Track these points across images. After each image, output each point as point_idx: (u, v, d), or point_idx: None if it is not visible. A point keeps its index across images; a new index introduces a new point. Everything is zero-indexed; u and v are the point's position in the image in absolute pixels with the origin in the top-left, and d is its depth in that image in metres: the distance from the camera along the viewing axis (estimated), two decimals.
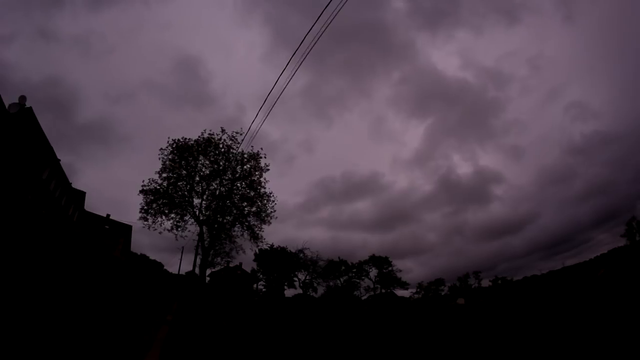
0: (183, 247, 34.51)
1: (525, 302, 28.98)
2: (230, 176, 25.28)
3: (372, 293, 60.71)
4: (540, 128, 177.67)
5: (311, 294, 55.08)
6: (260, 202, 25.33)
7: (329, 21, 7.42)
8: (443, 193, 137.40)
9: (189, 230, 24.97)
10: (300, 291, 54.54)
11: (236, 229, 25.80)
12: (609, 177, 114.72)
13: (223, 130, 24.41)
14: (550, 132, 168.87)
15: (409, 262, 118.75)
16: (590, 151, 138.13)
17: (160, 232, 23.85)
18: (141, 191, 23.74)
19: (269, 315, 26.81)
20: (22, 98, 20.43)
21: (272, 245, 48.66)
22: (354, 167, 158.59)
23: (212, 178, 24.99)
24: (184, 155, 24.00)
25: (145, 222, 23.63)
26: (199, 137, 24.35)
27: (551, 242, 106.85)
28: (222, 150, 24.56)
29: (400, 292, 64.82)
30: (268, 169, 25.36)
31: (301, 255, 50.34)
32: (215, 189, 25.41)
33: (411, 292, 67.36)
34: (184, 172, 24.42)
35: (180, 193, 24.50)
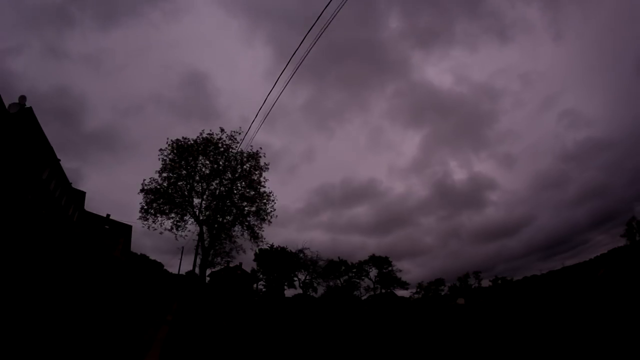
0: (183, 247, 34.56)
1: (526, 302, 28.97)
2: (230, 176, 25.27)
3: (372, 293, 60.72)
4: (534, 136, 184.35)
5: (311, 294, 55.10)
6: (260, 201, 25.32)
7: (327, 23, 7.44)
8: (439, 198, 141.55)
9: (189, 230, 24.99)
10: (300, 291, 54.59)
11: (236, 228, 25.78)
12: (604, 181, 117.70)
13: (222, 130, 24.42)
14: (543, 140, 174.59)
15: (407, 264, 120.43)
16: (584, 157, 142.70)
17: (160, 233, 23.85)
18: (141, 190, 23.73)
19: (269, 315, 26.80)
20: (22, 98, 20.43)
21: (272, 245, 48.73)
22: (352, 174, 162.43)
23: (211, 178, 24.97)
24: (183, 155, 23.99)
25: (145, 222, 23.62)
26: (198, 137, 24.35)
27: (549, 244, 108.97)
28: (222, 149, 24.55)
29: (400, 292, 64.90)
30: (267, 168, 25.37)
31: (301, 255, 50.38)
32: (215, 189, 25.39)
33: (411, 292, 67.44)
34: (184, 172, 24.40)
35: (180, 193, 24.48)
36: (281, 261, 50.37)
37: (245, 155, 24.80)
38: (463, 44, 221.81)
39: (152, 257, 57.39)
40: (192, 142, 24.27)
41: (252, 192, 25.32)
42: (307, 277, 54.27)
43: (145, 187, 23.76)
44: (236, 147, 24.38)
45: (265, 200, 25.32)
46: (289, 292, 55.14)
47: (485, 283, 69.46)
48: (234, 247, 26.08)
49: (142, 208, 23.67)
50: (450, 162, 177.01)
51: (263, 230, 25.64)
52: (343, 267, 58.56)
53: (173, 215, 24.20)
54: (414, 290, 68.13)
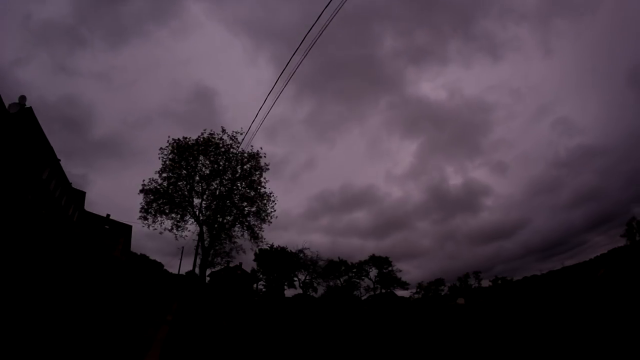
0: (183, 247, 34.56)
1: (526, 302, 28.97)
2: (230, 176, 25.25)
3: (372, 293, 60.71)
4: (528, 144, 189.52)
5: (311, 294, 55.09)
6: (260, 201, 25.31)
7: (326, 24, 7.45)
8: (435, 203, 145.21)
9: (189, 230, 24.99)
10: (300, 291, 54.58)
11: (236, 228, 25.77)
12: (598, 185, 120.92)
13: (223, 130, 24.39)
14: (537, 147, 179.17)
15: (405, 265, 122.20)
16: (577, 162, 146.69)
17: (160, 233, 23.86)
18: (141, 190, 23.72)
19: (269, 315, 26.80)
20: (22, 98, 20.43)
21: (272, 245, 48.72)
22: (351, 181, 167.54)
23: (212, 178, 24.95)
24: (184, 155, 23.96)
25: (145, 222, 23.61)
26: (199, 136, 24.33)
27: (546, 245, 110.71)
28: (222, 150, 24.52)
29: (400, 292, 64.89)
30: (268, 169, 25.36)
31: (301, 255, 50.40)
32: (215, 189, 25.38)
33: (411, 292, 67.45)
34: (184, 172, 24.38)
35: (180, 193, 24.47)
36: (281, 261, 50.36)
37: (245, 155, 24.78)
38: (456, 62, 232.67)
39: (152, 258, 57.42)
40: (193, 142, 24.24)
41: (252, 193, 25.32)
42: (307, 277, 54.31)
43: (145, 188, 23.77)
44: (237, 147, 24.38)
45: (265, 201, 25.33)
46: (289, 292, 55.20)
47: (485, 283, 69.55)
48: (234, 247, 26.09)
49: (142, 208, 23.68)
50: (445, 169, 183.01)
51: (263, 231, 25.67)
52: (343, 267, 58.56)
53: (173, 215, 24.22)
54: (414, 290, 68.23)
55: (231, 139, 24.32)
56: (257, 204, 25.33)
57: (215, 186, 25.33)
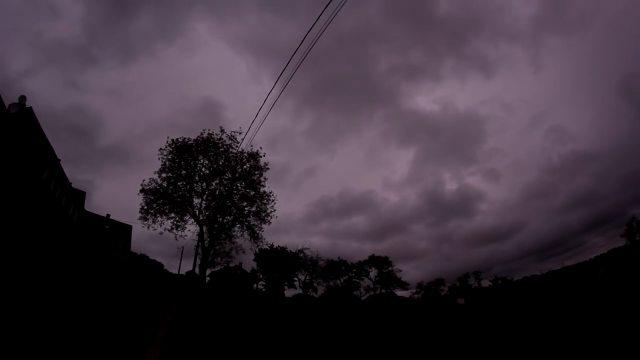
0: (183, 247, 34.55)
1: (526, 302, 28.97)
2: (229, 176, 25.23)
3: (372, 293, 60.71)
4: (521, 153, 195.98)
5: (311, 294, 55.09)
6: (260, 201, 25.30)
7: (324, 25, 7.47)
8: (432, 208, 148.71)
9: (189, 230, 24.98)
10: (300, 291, 54.58)
11: (236, 228, 25.76)
12: (594, 189, 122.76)
13: (222, 130, 24.38)
14: (531, 155, 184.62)
15: (403, 267, 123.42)
16: (572, 168, 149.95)
17: (160, 233, 23.86)
18: (141, 190, 23.71)
19: (269, 315, 26.80)
20: (22, 98, 20.43)
21: (272, 245, 48.72)
22: (350, 188, 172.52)
23: (211, 178, 24.94)
24: (183, 155, 23.95)
25: (145, 222, 23.61)
26: (198, 136, 24.32)
27: (543, 247, 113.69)
28: (222, 150, 24.51)
29: (400, 292, 64.92)
30: (268, 169, 25.35)
31: (301, 255, 50.34)
32: (215, 189, 25.37)
33: (411, 292, 67.47)
34: (184, 172, 24.37)
35: (180, 193, 24.46)
36: (281, 261, 50.35)
37: (245, 155, 24.78)
38: (450, 79, 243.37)
39: (153, 258, 57.42)
40: (192, 142, 24.24)
41: (252, 192, 25.30)
42: (307, 277, 54.30)
43: (145, 188, 23.76)
44: (236, 147, 24.38)
45: (265, 201, 25.32)
46: (289, 292, 55.20)
47: (485, 283, 69.57)
48: (233, 247, 26.08)
49: (142, 208, 23.67)
50: (441, 176, 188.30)
51: (263, 231, 25.64)
52: (343, 267, 58.56)
53: (173, 215, 24.21)
54: (414, 291, 68.28)
55: (230, 138, 24.34)
56: (256, 204, 25.33)
57: (215, 186, 25.34)
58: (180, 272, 44.05)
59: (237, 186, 25.41)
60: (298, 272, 53.50)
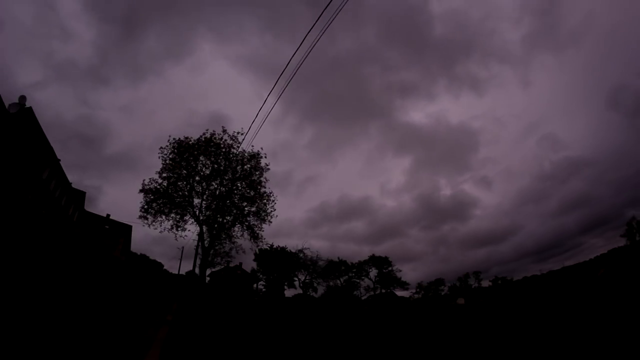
0: (183, 247, 34.56)
1: (526, 302, 28.97)
2: (230, 176, 25.22)
3: (372, 293, 60.71)
4: (515, 161, 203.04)
5: (311, 294, 55.10)
6: (260, 201, 25.29)
7: (323, 28, 7.47)
8: (427, 213, 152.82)
9: (189, 230, 24.97)
10: (300, 291, 54.58)
11: (236, 228, 25.74)
12: (589, 193, 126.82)
13: (224, 130, 24.35)
14: (524, 163, 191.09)
15: (401, 268, 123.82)
16: (566, 174, 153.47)
17: (160, 232, 23.88)
18: (141, 190, 23.70)
19: (269, 315, 26.79)
20: (22, 98, 20.43)
21: (272, 245, 48.70)
22: (348, 195, 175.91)
23: (212, 178, 24.93)
24: (184, 155, 23.94)
25: (145, 222, 23.60)
26: (200, 136, 24.29)
27: (541, 248, 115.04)
28: (223, 150, 24.49)
29: (400, 292, 64.93)
30: (268, 169, 25.33)
31: (301, 255, 50.34)
32: (216, 189, 25.36)
33: (411, 293, 67.49)
34: (184, 172, 24.36)
35: (180, 193, 24.45)
36: (281, 261, 50.35)
37: (246, 155, 24.75)
38: (443, 97, 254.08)
39: (153, 258, 57.42)
40: (194, 142, 24.22)
41: (253, 193, 25.29)
42: (307, 277, 54.31)
43: (145, 187, 23.75)
44: (238, 147, 24.36)
45: (265, 201, 25.31)
46: (289, 292, 55.21)
47: (485, 283, 69.58)
48: (233, 247, 26.03)
49: (142, 208, 23.66)
50: (436, 183, 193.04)
51: (263, 230, 25.63)
52: (343, 267, 58.55)
53: (173, 215, 24.19)
54: (414, 291, 68.30)
55: (232, 139, 24.31)
56: (257, 204, 25.32)
57: (216, 186, 25.32)
58: (180, 272, 44.11)
59: (238, 186, 25.41)
60: (298, 272, 53.54)
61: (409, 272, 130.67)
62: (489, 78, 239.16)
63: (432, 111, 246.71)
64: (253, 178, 25.06)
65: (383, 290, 61.06)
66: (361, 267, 60.08)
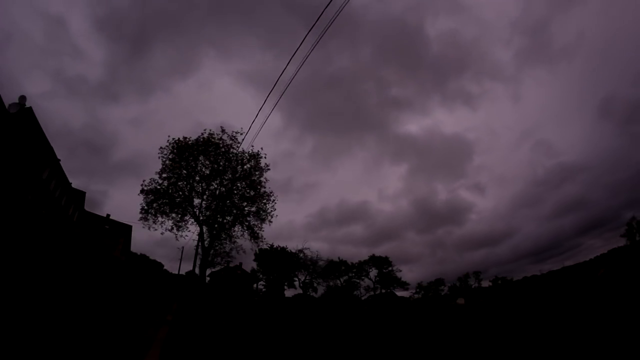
0: (183, 247, 34.56)
1: (526, 302, 28.97)
2: (230, 176, 25.21)
3: (372, 293, 60.69)
4: (510, 168, 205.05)
5: (311, 294, 55.09)
6: (260, 201, 25.29)
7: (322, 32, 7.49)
8: (424, 217, 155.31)
9: (189, 230, 24.96)
10: (300, 291, 54.57)
11: (236, 228, 25.73)
12: (585, 196, 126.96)
13: (223, 130, 24.36)
14: (524, 167, 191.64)
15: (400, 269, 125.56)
16: (560, 179, 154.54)
17: (162, 233, 23.86)
18: (142, 191, 23.69)
19: (269, 315, 26.79)
20: (22, 98, 20.44)
21: (272, 245, 48.68)
22: (347, 200, 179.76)
23: (212, 178, 24.92)
24: (184, 156, 23.93)
25: (146, 222, 23.59)
26: (199, 136, 24.29)
27: (538, 250, 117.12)
28: (222, 150, 24.49)
29: (400, 292, 64.90)
30: (268, 169, 25.33)
31: (301, 255, 50.31)
32: (216, 189, 25.35)
33: (411, 293, 67.45)
34: (184, 172, 24.36)
35: (180, 193, 24.44)
36: (281, 261, 50.34)
37: (246, 155, 24.75)
38: (437, 111, 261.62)
39: (152, 258, 57.40)
40: (193, 142, 24.21)
41: (253, 193, 25.28)
42: (307, 277, 54.30)
43: (145, 188, 23.74)
44: (237, 147, 24.37)
45: (265, 201, 25.31)
46: (289, 292, 55.19)
47: (485, 283, 69.56)
48: (234, 247, 26.02)
49: (142, 208, 23.65)
50: (432, 188, 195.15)
51: (263, 231, 25.64)
52: (343, 267, 58.52)
53: (173, 215, 24.18)
54: (414, 291, 68.25)
55: (231, 139, 24.31)
56: (257, 204, 25.32)
57: (215, 186, 25.31)
58: (180, 272, 44.12)
59: (238, 186, 25.40)
60: (298, 272, 53.51)
61: (407, 274, 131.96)
62: (482, 93, 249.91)
63: (427, 124, 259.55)
64: (253, 178, 25.07)
65: (383, 290, 61.05)
66: (361, 267, 60.05)
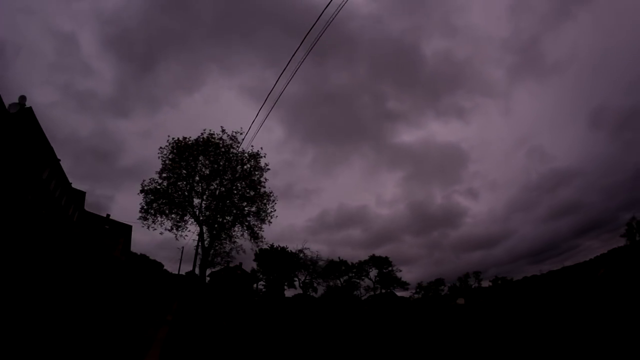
0: (183, 247, 34.58)
1: (526, 302, 28.97)
2: (230, 176, 25.20)
3: (372, 293, 60.68)
4: (506, 173, 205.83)
5: (311, 294, 55.09)
6: (260, 201, 25.29)
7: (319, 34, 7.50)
8: (421, 220, 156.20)
9: (189, 231, 24.95)
10: (300, 291, 54.57)
11: (236, 228, 25.73)
12: (580, 199, 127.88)
13: (223, 130, 24.34)
14: (521, 172, 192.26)
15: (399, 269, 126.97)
16: (556, 183, 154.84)
17: (161, 233, 23.86)
18: (141, 190, 23.68)
19: (269, 315, 26.79)
20: (22, 98, 20.43)
21: (272, 245, 48.70)
22: (345, 205, 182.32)
23: (212, 178, 24.91)
24: (183, 155, 23.92)
25: (145, 222, 23.57)
26: (199, 136, 24.27)
27: (536, 251, 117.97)
28: (222, 150, 24.48)
29: (400, 293, 64.90)
30: (268, 169, 25.34)
31: (301, 255, 50.32)
32: (215, 189, 25.34)
33: (411, 293, 67.45)
34: (184, 172, 24.34)
35: (180, 193, 24.43)
36: (281, 261, 50.34)
37: (246, 155, 24.75)
38: (432, 123, 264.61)
39: (152, 258, 57.37)
40: (193, 142, 24.20)
41: (252, 193, 25.28)
42: (307, 277, 54.30)
43: (145, 188, 23.73)
44: (237, 147, 24.36)
45: (265, 201, 25.30)
46: (289, 292, 55.19)
47: (485, 283, 69.56)
48: (234, 247, 26.03)
49: (142, 208, 23.63)
50: (429, 193, 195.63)
51: (263, 231, 25.62)
52: (343, 267, 58.52)
53: (173, 215, 24.17)
54: (414, 291, 68.25)
55: (231, 139, 24.30)
56: (257, 204, 25.32)
57: (215, 186, 25.31)
58: (180, 272, 44.13)
59: (237, 186, 25.40)
60: (298, 272, 53.52)
61: (406, 274, 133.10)
62: (475, 107, 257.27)
63: (422, 134, 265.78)
64: (253, 178, 25.06)
65: (383, 290, 61.05)
66: (361, 267, 60.04)
